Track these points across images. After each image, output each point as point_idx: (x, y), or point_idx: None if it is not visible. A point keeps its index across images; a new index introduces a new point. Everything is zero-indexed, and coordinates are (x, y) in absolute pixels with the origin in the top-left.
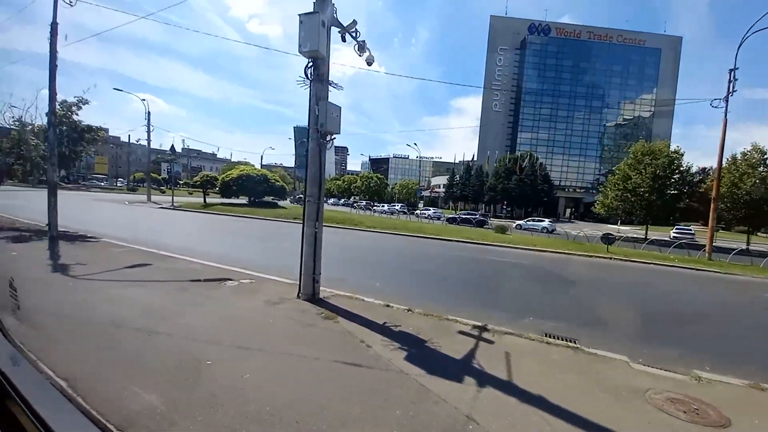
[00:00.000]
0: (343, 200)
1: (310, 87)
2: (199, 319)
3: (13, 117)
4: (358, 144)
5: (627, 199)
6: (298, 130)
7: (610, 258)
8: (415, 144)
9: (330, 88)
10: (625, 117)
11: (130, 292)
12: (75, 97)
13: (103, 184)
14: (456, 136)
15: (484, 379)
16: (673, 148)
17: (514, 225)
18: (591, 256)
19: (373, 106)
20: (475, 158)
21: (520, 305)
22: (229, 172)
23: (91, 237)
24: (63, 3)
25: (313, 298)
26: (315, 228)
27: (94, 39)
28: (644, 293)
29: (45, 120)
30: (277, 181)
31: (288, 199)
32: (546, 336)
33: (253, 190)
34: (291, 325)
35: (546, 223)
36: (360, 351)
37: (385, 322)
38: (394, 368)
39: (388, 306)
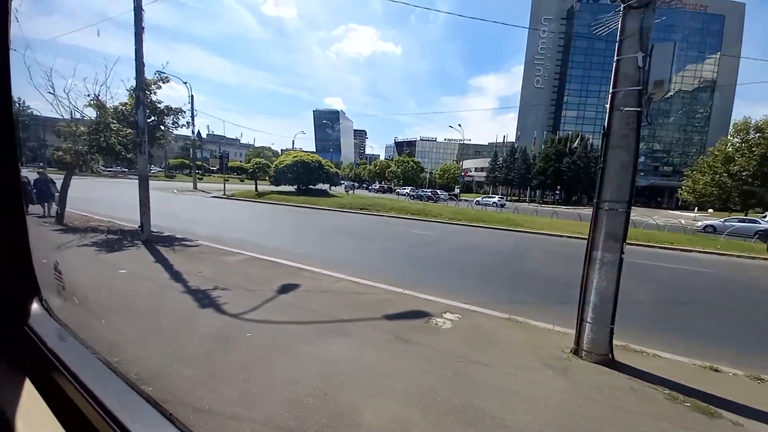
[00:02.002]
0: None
1: (623, 22)
2: (528, 418)
3: (88, 95)
4: (373, 126)
5: (724, 185)
6: (317, 114)
7: None
8: (459, 125)
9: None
10: (684, 90)
11: (344, 348)
12: (156, 72)
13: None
14: (475, 116)
15: None
16: None
17: (474, 201)
18: (755, 258)
19: (390, 88)
20: (514, 139)
21: None
22: (281, 159)
23: (186, 240)
24: None
25: (611, 359)
26: (621, 252)
27: (113, 26)
28: None
29: (116, 102)
30: (331, 168)
31: (342, 186)
32: None
33: (308, 177)
34: None
35: (496, 198)
36: None
37: None
38: None
39: (716, 370)
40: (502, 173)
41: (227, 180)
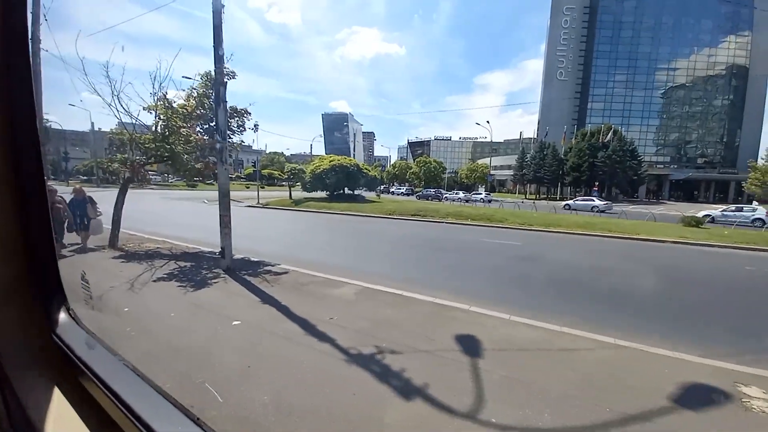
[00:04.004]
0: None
1: None
2: None
3: (154, 93)
4: (379, 128)
5: None
6: (326, 118)
7: None
8: (487, 122)
9: None
10: (713, 76)
11: None
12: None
13: (158, 179)
14: (482, 114)
15: None
16: None
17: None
18: None
19: (394, 89)
20: (535, 135)
21: None
22: (317, 164)
23: (266, 264)
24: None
25: None
26: None
27: (123, 38)
28: None
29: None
30: (370, 172)
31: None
32: None
33: (348, 182)
34: None
35: (483, 194)
36: None
37: None
38: None
39: None
40: (530, 170)
41: (248, 186)
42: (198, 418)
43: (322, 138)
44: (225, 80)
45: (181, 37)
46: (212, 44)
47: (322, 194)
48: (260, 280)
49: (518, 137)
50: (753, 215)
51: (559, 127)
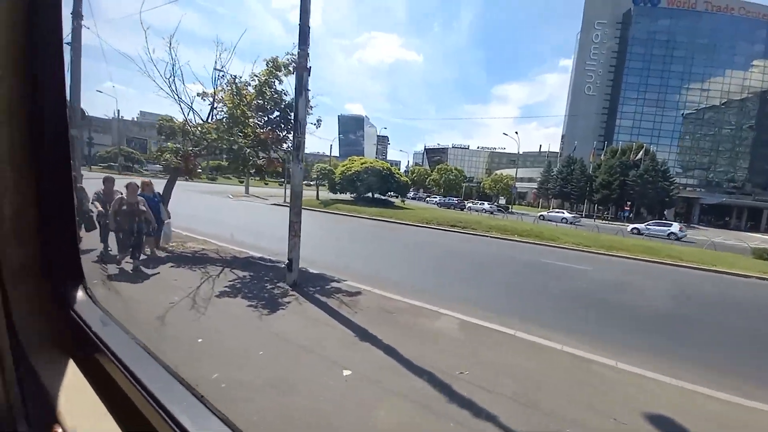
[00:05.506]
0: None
1: None
2: None
3: (221, 76)
4: (393, 132)
5: None
6: (342, 120)
7: None
8: (516, 133)
9: None
10: (746, 100)
11: None
12: (288, 54)
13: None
14: (497, 125)
15: None
16: None
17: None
18: None
19: (410, 95)
20: (561, 149)
21: None
22: (348, 165)
23: (329, 278)
24: None
25: None
26: None
27: (149, 32)
28: None
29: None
30: (402, 176)
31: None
32: None
33: (379, 185)
34: None
35: (486, 206)
36: None
37: None
38: None
39: None
40: (556, 185)
41: (266, 183)
42: (202, 396)
43: (337, 139)
44: (308, 65)
45: (202, 32)
46: (298, 20)
47: (348, 196)
48: (337, 303)
49: (535, 150)
50: (668, 230)
51: (584, 141)
